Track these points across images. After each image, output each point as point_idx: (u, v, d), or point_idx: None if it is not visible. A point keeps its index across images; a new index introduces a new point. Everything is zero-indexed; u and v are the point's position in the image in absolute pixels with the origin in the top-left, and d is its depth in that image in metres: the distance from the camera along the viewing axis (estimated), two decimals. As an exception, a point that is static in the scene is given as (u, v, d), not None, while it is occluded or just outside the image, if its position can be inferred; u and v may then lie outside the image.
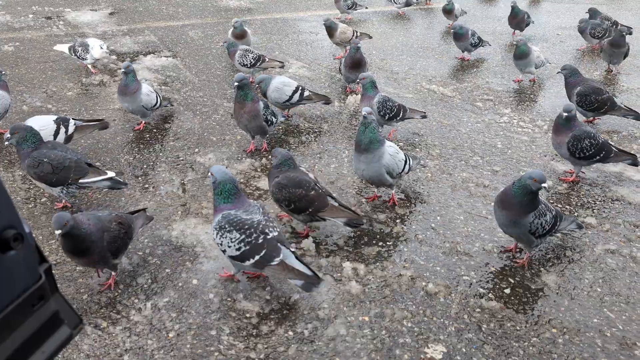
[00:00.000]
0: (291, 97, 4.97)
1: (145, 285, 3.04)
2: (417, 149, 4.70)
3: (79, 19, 8.72)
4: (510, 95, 5.99)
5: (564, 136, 4.02)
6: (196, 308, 2.88)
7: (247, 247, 2.77)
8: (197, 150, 4.58)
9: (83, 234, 2.74)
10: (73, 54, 6.16)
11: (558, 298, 3.01)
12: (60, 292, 1.56)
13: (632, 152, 4.29)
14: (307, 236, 3.45)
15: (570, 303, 2.98)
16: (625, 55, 6.57)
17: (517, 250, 3.36)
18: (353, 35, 6.87)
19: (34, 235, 1.35)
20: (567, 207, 3.88)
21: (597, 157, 4.01)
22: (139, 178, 4.13)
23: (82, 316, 2.76)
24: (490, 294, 3.03)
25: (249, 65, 5.93)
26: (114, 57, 6.77)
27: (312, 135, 4.90)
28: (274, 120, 4.56)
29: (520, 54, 6.11)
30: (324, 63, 6.92)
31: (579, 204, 3.92)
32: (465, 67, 6.90)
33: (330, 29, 6.90)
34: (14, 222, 1.32)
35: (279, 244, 2.81)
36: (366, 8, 9.36)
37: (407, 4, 9.19)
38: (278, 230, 2.90)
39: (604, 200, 3.96)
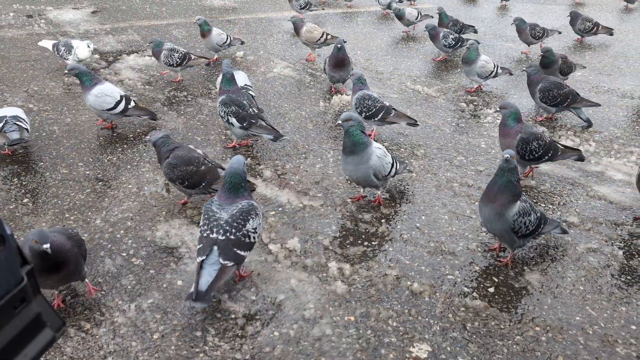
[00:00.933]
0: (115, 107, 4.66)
1: (129, 287, 3.01)
2: (402, 149, 4.72)
3: (60, 18, 8.62)
4: (494, 95, 6.04)
5: (511, 139, 4.04)
6: (181, 309, 2.86)
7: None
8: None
9: (59, 245, 2.60)
10: (56, 52, 6.10)
11: (541, 296, 3.04)
12: (43, 294, 1.54)
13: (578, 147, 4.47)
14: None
15: (553, 301, 3.01)
16: (565, 72, 6.01)
17: (501, 249, 3.39)
18: (322, 37, 6.68)
19: (15, 236, 1.33)
20: (550, 206, 3.93)
21: (546, 157, 4.06)
22: (123, 178, 4.09)
23: (64, 318, 2.73)
24: (474, 292, 3.05)
25: (175, 65, 5.86)
26: (96, 56, 6.70)
27: (298, 135, 4.89)
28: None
29: (466, 59, 5.94)
30: (308, 63, 6.91)
31: (562, 203, 3.96)
32: (450, 68, 6.95)
33: (296, 27, 6.79)
34: (-6, 224, 1.30)
35: None
36: (323, 9, 9.26)
37: (389, 7, 9.19)
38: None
39: (586, 200, 4.02)
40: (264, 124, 4.36)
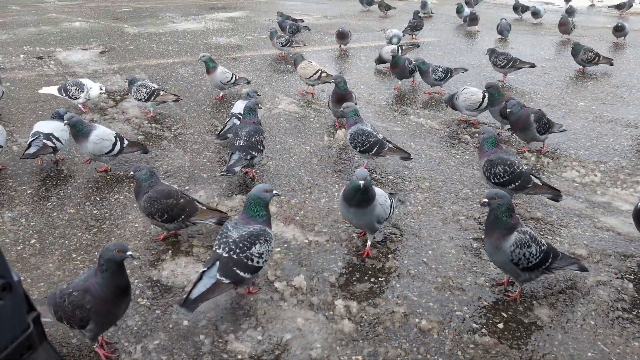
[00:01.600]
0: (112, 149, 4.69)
1: (135, 328, 2.99)
2: (407, 182, 4.73)
3: (69, 59, 8.81)
4: (497, 126, 6.07)
5: (481, 159, 4.21)
6: (187, 350, 2.84)
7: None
8: (187, 187, 4.58)
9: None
10: (64, 94, 6.18)
11: (551, 332, 3.00)
12: (49, 340, 1.54)
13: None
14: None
15: (564, 337, 2.96)
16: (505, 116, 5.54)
17: (510, 283, 3.36)
18: (315, 74, 6.74)
19: (22, 279, 1.34)
20: (558, 238, 3.90)
21: (512, 185, 4.07)
22: (129, 217, 4.11)
23: (70, 361, 2.71)
24: (483, 329, 3.01)
25: (144, 100, 5.98)
26: (104, 95, 6.80)
27: (302, 170, 4.92)
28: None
29: (448, 96, 6.11)
30: (313, 98, 7.00)
31: (569, 235, 3.94)
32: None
33: (295, 63, 7.00)
34: (2, 270, 1.31)
35: None
36: (304, 45, 9.40)
37: (390, 42, 9.29)
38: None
39: (593, 231, 3.99)
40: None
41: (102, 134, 4.66)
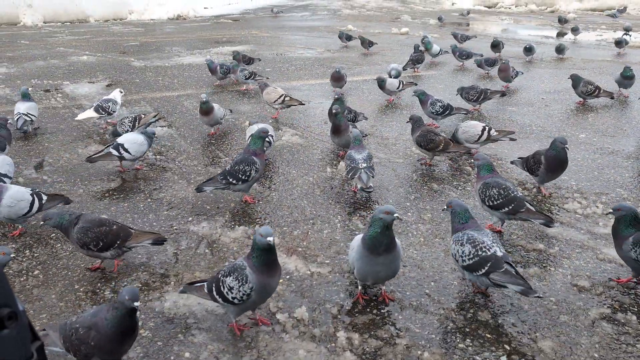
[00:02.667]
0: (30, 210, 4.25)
1: (136, 360, 2.99)
2: (409, 213, 4.75)
3: (76, 91, 8.96)
4: (498, 158, 6.11)
5: (477, 183, 4.44)
6: (188, 383, 2.83)
7: None
8: (190, 219, 4.61)
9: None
10: (102, 112, 6.73)
11: (555, 365, 2.98)
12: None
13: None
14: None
15: (568, 370, 2.94)
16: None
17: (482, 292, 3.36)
18: (279, 98, 7.30)
19: (25, 310, 1.36)
20: (560, 270, 3.89)
21: (506, 209, 4.17)
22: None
23: (71, 394, 2.70)
24: (486, 361, 2.99)
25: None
26: (110, 128, 6.90)
27: (305, 201, 4.95)
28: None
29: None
30: (316, 130, 7.09)
31: (572, 267, 3.93)
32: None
33: (260, 88, 7.54)
34: (8, 300, 1.33)
35: None
36: (267, 78, 9.26)
37: (389, 76, 9.28)
38: None
39: (596, 263, 3.98)
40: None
41: (15, 195, 4.16)
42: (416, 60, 10.81)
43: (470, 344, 3.13)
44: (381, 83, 8.37)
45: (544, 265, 3.96)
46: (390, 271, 3.36)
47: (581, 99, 8.48)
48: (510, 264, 3.29)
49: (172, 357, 3.01)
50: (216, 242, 4.25)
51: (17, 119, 6.55)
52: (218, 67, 9.33)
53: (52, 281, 3.72)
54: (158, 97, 8.72)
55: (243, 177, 4.66)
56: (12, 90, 9.01)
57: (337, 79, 8.75)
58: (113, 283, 3.70)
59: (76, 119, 6.95)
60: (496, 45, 12.30)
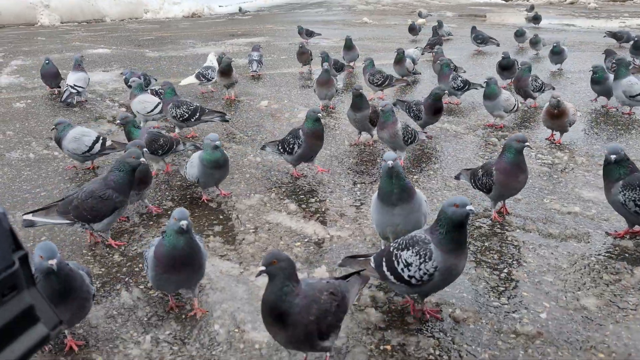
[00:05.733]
0: (92, 147, 4.66)
1: (145, 319, 2.78)
2: (433, 181, 4.51)
3: (91, 79, 8.84)
4: (521, 128, 5.83)
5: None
6: (201, 340, 2.62)
7: None
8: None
9: (66, 269, 2.36)
10: (202, 79, 7.34)
11: (601, 321, 2.71)
12: (39, 288, 1.35)
13: None
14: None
15: (616, 327, 2.67)
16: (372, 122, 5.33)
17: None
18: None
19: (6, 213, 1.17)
20: (599, 231, 3.61)
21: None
22: (144, 216, 3.95)
23: (78, 351, 2.52)
24: (524, 318, 2.73)
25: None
26: (123, 109, 6.78)
27: (324, 173, 4.73)
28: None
29: (489, 94, 5.76)
30: (330, 109, 6.88)
31: (613, 228, 3.65)
32: (477, 107, 6.79)
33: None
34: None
35: None
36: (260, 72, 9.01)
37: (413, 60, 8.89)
38: None
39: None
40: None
41: (79, 131, 4.71)
42: (433, 44, 10.55)
43: (506, 302, 2.87)
44: (400, 55, 8.15)
45: (581, 226, 3.69)
46: (410, 224, 3.00)
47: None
48: None
49: (183, 317, 2.80)
50: (230, 210, 4.04)
51: (64, 90, 6.98)
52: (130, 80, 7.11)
53: (59, 246, 3.52)
54: (172, 82, 8.56)
55: (287, 149, 4.47)
56: (27, 79, 8.97)
57: (301, 53, 9.16)
58: (123, 248, 3.51)
59: (180, 84, 7.32)
60: (521, 35, 11.75)
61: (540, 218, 3.83)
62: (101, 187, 3.30)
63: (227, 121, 5.69)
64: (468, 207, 2.37)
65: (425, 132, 5.29)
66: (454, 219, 2.40)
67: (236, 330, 2.68)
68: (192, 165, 4.05)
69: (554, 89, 6.94)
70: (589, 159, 4.97)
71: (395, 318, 2.75)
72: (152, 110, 5.79)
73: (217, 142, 3.87)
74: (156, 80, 7.35)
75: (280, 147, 4.55)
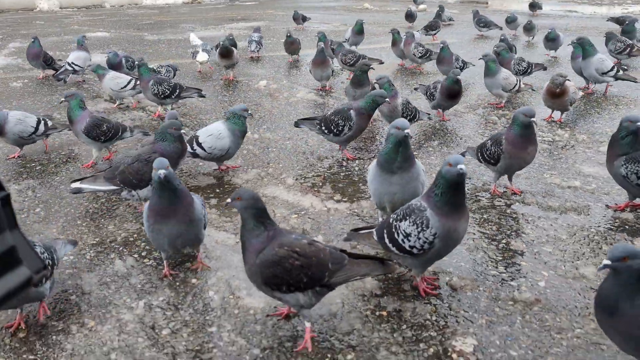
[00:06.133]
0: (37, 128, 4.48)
1: (139, 286, 2.75)
2: (432, 157, 4.46)
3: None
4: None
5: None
6: (195, 306, 2.59)
7: None
8: (201, 163, 4.37)
9: None
10: (210, 52, 7.78)
11: (600, 289, 2.67)
12: (22, 232, 1.32)
13: None
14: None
15: (615, 294, 2.64)
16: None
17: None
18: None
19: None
20: (599, 204, 3.57)
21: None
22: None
23: (68, 315, 2.49)
24: (522, 286, 2.70)
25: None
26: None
27: (321, 148, 4.68)
28: None
29: (487, 72, 5.71)
30: (329, 88, 6.83)
31: (614, 201, 3.61)
32: (478, 87, 6.72)
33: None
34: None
35: None
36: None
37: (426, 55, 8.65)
38: None
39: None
40: None
41: (20, 114, 4.51)
42: (430, 26, 10.49)
43: (505, 271, 2.84)
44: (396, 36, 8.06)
45: (581, 199, 3.65)
46: (407, 193, 2.96)
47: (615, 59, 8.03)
48: None
49: (177, 283, 2.77)
50: (227, 184, 4.01)
51: (62, 66, 7.06)
52: (123, 60, 7.19)
53: (53, 217, 3.51)
54: (171, 63, 8.50)
55: (335, 130, 4.26)
56: (24, 60, 8.86)
57: (291, 43, 8.56)
58: (117, 219, 3.47)
59: (198, 60, 7.63)
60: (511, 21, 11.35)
61: (540, 192, 3.79)
62: (148, 152, 3.37)
63: (204, 96, 5.74)
64: (459, 167, 2.31)
65: (429, 114, 5.17)
66: (448, 178, 2.35)
67: (231, 296, 2.65)
68: (220, 137, 3.95)
69: (545, 69, 6.86)
70: (590, 137, 4.93)
71: (391, 285, 2.72)
72: (125, 86, 5.81)
73: (249, 112, 4.06)
74: (142, 59, 6.79)
75: (323, 127, 4.31)
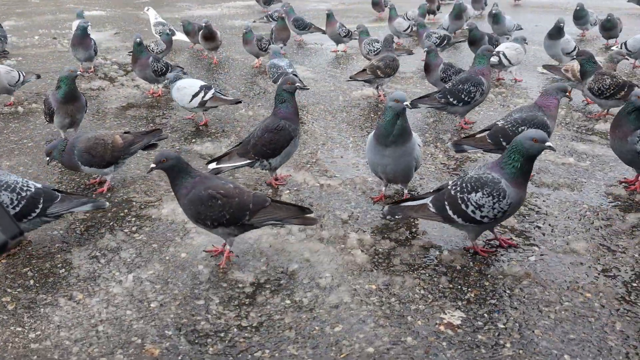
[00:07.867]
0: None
1: (128, 260, 2.75)
2: (427, 134, 4.43)
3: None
4: (522, 88, 5.74)
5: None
6: (183, 280, 2.59)
7: None
8: (194, 140, 4.35)
9: None
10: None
11: (590, 263, 2.67)
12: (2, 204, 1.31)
13: None
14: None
15: (605, 268, 2.63)
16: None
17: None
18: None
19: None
20: (593, 180, 3.55)
21: None
22: (131, 165, 3.89)
23: (56, 288, 2.49)
24: (513, 261, 2.69)
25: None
26: (115, 66, 6.68)
27: (316, 125, 4.66)
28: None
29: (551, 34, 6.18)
30: (326, 67, 6.77)
31: (606, 178, 3.59)
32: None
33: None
34: None
35: None
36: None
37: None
38: None
39: (634, 174, 3.63)
40: None
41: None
42: (429, 11, 10.41)
43: (495, 245, 2.83)
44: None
45: (575, 176, 3.63)
46: (399, 166, 3.03)
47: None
48: None
49: (167, 257, 2.77)
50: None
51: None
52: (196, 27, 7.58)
53: (45, 193, 3.50)
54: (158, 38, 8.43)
55: (466, 99, 4.10)
56: (19, 39, 8.80)
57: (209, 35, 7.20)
58: (109, 194, 3.46)
59: (175, 37, 7.40)
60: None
61: (534, 168, 3.76)
62: (274, 121, 3.37)
63: (186, 74, 5.54)
64: (547, 143, 2.44)
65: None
66: (531, 152, 2.47)
67: (220, 270, 2.65)
68: None
69: (525, 40, 6.32)
70: (587, 115, 4.89)
71: (381, 260, 2.72)
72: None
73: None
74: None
75: (450, 98, 4.17)
